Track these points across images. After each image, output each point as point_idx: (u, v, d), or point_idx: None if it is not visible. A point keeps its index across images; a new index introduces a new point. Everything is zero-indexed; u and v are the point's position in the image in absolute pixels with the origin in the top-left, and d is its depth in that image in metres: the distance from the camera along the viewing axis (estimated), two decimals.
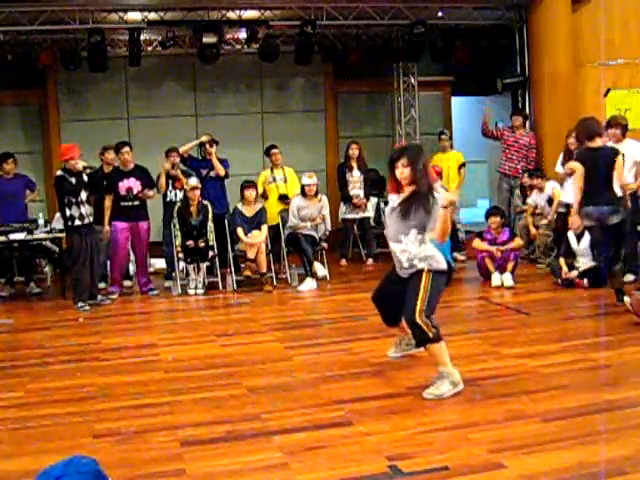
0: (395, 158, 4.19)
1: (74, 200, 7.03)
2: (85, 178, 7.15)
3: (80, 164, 7.06)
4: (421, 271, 4.14)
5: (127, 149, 7.67)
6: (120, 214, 7.56)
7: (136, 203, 7.66)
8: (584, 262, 7.06)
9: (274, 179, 8.77)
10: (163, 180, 8.11)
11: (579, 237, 7.25)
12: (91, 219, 7.20)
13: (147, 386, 4.51)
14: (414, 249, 4.15)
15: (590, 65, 9.43)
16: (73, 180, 7.03)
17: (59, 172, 7.13)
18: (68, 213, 7.05)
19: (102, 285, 7.77)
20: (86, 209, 7.14)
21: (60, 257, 7.92)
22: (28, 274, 8.20)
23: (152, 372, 4.83)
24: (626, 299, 5.55)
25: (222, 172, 8.39)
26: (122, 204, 7.59)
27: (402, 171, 4.14)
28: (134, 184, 7.64)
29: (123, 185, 7.61)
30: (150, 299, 7.65)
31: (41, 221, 7.94)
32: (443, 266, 4.21)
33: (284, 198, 8.66)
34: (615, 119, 7.23)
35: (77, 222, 7.06)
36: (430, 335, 4.02)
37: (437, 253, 4.19)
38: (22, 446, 3.59)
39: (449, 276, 7.38)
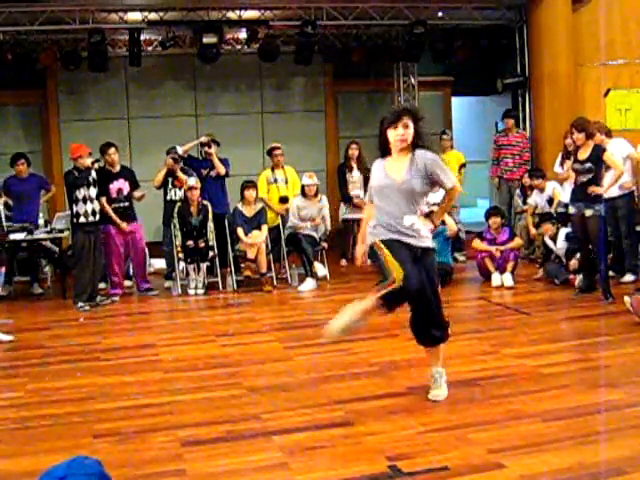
0: (400, 115, 3.81)
1: (80, 196, 7.05)
2: (94, 174, 7.17)
3: (88, 160, 7.08)
4: (431, 250, 3.92)
5: (113, 150, 7.66)
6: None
7: (126, 204, 7.66)
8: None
9: (275, 180, 8.76)
10: (161, 175, 8.12)
11: (553, 239, 7.34)
12: (97, 217, 7.20)
13: (147, 386, 4.51)
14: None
15: (590, 65, 9.44)
16: (81, 176, 7.05)
17: (69, 169, 7.20)
18: (74, 210, 7.08)
19: (102, 285, 7.77)
20: (94, 206, 7.14)
21: (60, 257, 7.92)
22: (32, 275, 8.19)
23: (152, 372, 4.83)
24: (626, 298, 5.55)
25: (222, 171, 8.39)
26: (113, 206, 7.56)
27: (404, 132, 3.79)
28: (123, 185, 7.64)
29: (114, 187, 7.59)
30: (150, 299, 7.65)
31: (41, 221, 7.94)
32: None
33: (284, 200, 8.64)
34: (596, 123, 7.23)
35: (82, 219, 7.07)
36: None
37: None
38: (22, 446, 3.59)
39: (449, 276, 7.48)
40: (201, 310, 7.22)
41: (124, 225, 7.52)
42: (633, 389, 4.03)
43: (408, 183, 3.80)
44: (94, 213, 7.16)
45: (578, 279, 6.88)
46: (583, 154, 6.40)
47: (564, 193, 7.81)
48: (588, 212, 6.34)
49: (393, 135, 3.83)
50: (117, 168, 7.67)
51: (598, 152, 6.35)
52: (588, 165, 6.31)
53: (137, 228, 7.78)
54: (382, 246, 3.76)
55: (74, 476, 2.16)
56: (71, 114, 10.18)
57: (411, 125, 3.81)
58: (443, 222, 7.84)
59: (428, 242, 3.89)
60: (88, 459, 2.31)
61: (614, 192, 7.05)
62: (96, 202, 7.20)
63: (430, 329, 3.90)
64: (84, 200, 7.07)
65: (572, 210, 6.59)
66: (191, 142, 8.61)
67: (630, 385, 4.10)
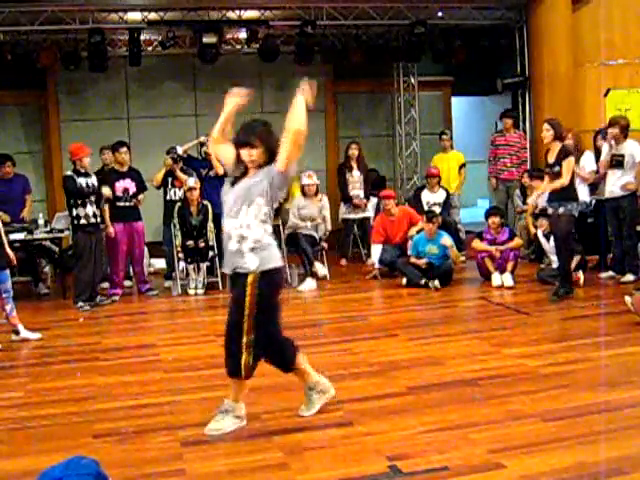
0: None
1: (80, 201, 7.05)
2: (94, 179, 7.18)
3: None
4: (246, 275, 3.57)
5: (125, 149, 7.70)
6: (116, 215, 7.56)
7: (131, 204, 7.68)
8: (555, 260, 7.17)
9: None
10: (160, 175, 8.13)
11: (547, 237, 7.35)
12: (98, 219, 7.20)
13: (147, 386, 4.51)
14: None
15: (590, 65, 9.44)
16: (82, 181, 7.06)
17: (68, 172, 7.18)
18: (74, 212, 7.08)
19: (105, 285, 7.78)
20: (93, 209, 7.13)
21: (60, 257, 7.91)
22: (36, 275, 8.18)
23: (152, 372, 4.83)
24: (627, 299, 5.55)
25: (221, 171, 8.35)
26: (118, 204, 7.59)
27: (250, 153, 3.64)
28: (130, 185, 7.66)
29: (120, 185, 7.62)
30: (150, 299, 7.65)
31: (41, 221, 7.94)
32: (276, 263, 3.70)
33: (284, 199, 8.65)
34: (615, 118, 7.26)
35: (82, 221, 7.07)
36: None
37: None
38: (22, 446, 3.59)
39: (449, 276, 7.49)
40: (201, 310, 7.22)
41: (110, 230, 7.51)
42: (633, 389, 4.02)
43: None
44: (95, 216, 7.15)
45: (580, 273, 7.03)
46: (551, 157, 6.46)
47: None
48: (560, 210, 6.43)
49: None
50: (125, 168, 7.71)
51: (564, 155, 6.35)
52: (557, 168, 6.38)
53: (141, 228, 7.80)
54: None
55: (71, 477, 2.15)
56: (71, 114, 10.18)
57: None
58: (443, 225, 7.87)
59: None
60: (85, 459, 2.30)
61: (618, 192, 7.06)
62: (95, 205, 7.18)
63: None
64: (83, 204, 7.06)
65: (549, 210, 6.69)
66: (191, 142, 8.62)
67: (630, 385, 4.10)
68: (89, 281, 7.16)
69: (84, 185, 7.07)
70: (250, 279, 3.56)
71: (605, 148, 7.26)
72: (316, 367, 4.73)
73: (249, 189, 3.61)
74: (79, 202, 7.05)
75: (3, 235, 6.00)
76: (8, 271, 5.97)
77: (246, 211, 3.58)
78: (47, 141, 10.23)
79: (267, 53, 9.64)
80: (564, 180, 6.34)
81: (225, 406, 3.70)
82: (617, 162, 7.09)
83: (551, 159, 6.43)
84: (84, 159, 7.06)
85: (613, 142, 7.08)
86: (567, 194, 6.39)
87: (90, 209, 7.10)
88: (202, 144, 8.55)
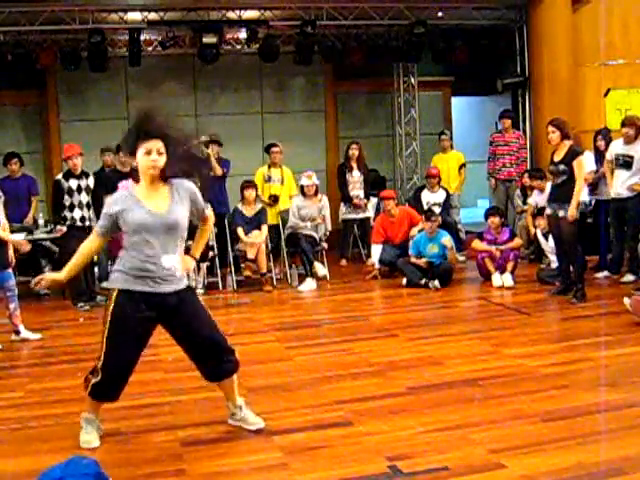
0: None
1: (67, 203, 7.02)
2: (90, 181, 7.14)
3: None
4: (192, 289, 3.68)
5: None
6: None
7: None
8: (554, 260, 7.17)
9: (269, 178, 8.70)
10: None
11: (546, 236, 7.35)
12: (87, 223, 7.03)
13: (147, 386, 4.50)
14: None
15: (590, 65, 9.43)
16: (72, 183, 7.03)
17: (58, 176, 7.15)
18: (62, 214, 7.04)
19: (105, 285, 7.77)
20: (82, 213, 7.06)
21: (60, 257, 7.91)
22: (36, 275, 8.16)
23: (152, 372, 4.82)
24: (626, 300, 5.56)
25: (219, 172, 8.38)
26: None
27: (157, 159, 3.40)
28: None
29: (123, 186, 7.61)
30: None
31: (41, 221, 7.93)
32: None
33: (274, 199, 8.57)
34: (630, 118, 7.20)
35: (69, 223, 7.02)
36: None
37: None
38: (22, 446, 3.59)
39: (449, 276, 7.49)
40: None
41: None
42: (633, 389, 4.03)
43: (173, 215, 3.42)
44: (83, 219, 7.05)
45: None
46: (558, 155, 6.39)
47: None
48: (561, 212, 6.34)
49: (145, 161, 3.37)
50: (128, 168, 7.68)
51: (572, 155, 6.30)
52: (562, 167, 6.29)
53: None
54: (109, 313, 3.45)
55: (71, 477, 2.16)
56: (71, 114, 10.18)
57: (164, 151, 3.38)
58: (443, 225, 7.87)
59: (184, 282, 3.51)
60: (85, 459, 2.31)
61: (625, 193, 7.03)
62: (86, 209, 7.09)
63: (222, 362, 3.58)
64: (71, 207, 7.01)
65: (548, 211, 6.63)
66: None
67: (630, 385, 4.10)
68: (84, 282, 7.08)
69: (74, 187, 7.03)
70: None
71: (618, 147, 7.15)
72: (316, 367, 4.76)
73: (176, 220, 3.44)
74: (66, 205, 7.02)
75: (4, 235, 6.00)
76: (11, 270, 5.97)
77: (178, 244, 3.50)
78: (47, 141, 10.23)
79: (267, 53, 9.64)
80: (579, 182, 6.25)
81: (239, 402, 3.70)
82: (625, 162, 7.01)
83: (557, 158, 6.36)
84: (72, 159, 7.00)
85: (622, 142, 7.03)
86: (567, 195, 6.27)
87: (78, 213, 7.03)
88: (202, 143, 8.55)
